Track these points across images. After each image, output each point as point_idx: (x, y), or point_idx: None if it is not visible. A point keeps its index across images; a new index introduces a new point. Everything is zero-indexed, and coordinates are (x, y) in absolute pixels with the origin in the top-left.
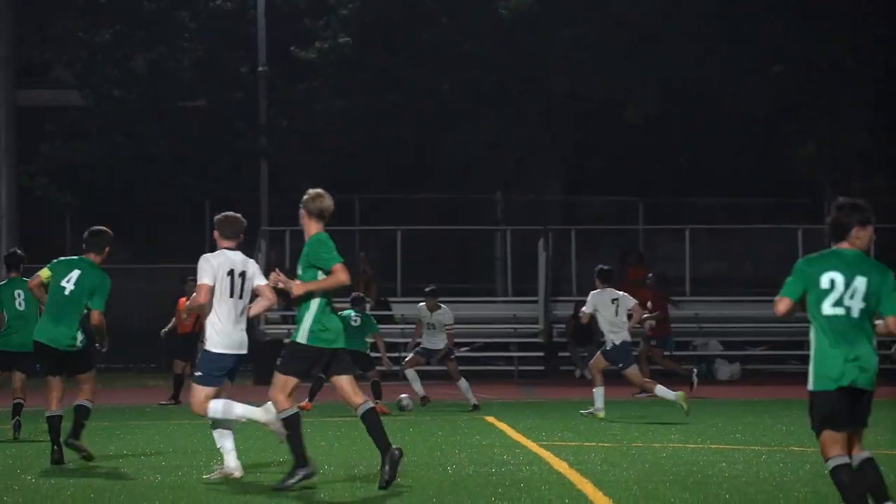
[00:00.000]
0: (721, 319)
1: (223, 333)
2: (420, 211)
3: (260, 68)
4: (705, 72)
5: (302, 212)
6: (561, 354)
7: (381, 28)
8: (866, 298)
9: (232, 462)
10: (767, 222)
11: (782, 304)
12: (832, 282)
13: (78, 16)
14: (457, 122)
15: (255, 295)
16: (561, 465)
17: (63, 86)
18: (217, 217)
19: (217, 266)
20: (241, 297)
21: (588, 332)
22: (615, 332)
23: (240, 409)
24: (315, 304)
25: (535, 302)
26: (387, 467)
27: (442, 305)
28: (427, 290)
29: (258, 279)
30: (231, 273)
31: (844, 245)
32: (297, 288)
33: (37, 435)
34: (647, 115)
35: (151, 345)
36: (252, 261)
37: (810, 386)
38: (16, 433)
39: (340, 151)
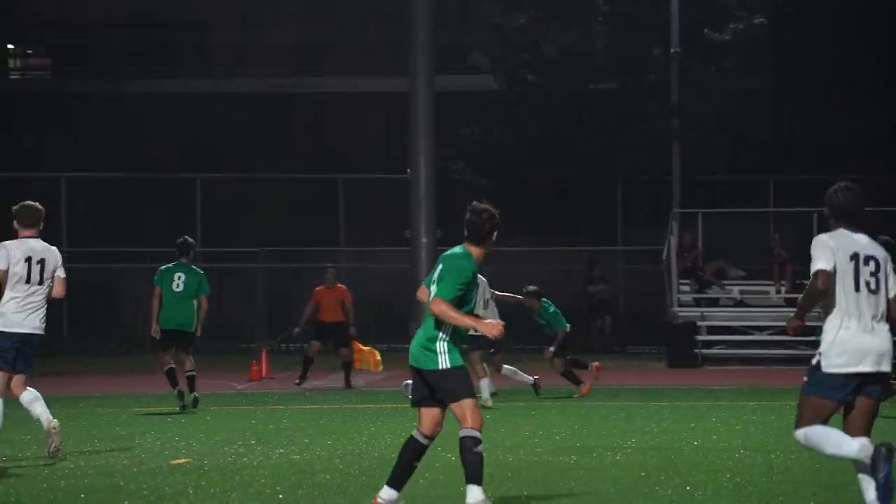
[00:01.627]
0: None
1: (7, 315)
2: None
3: (672, 50)
4: None
5: None
6: None
7: (796, 4)
8: (437, 281)
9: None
10: None
11: None
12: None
13: (496, 1)
14: (877, 97)
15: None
16: None
17: (479, 70)
18: (15, 207)
19: (14, 254)
20: (40, 283)
21: None
22: None
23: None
24: None
25: None
26: None
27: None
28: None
29: (59, 270)
30: (28, 260)
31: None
32: None
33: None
34: None
35: None
36: (55, 250)
37: None
38: (180, 402)
39: (752, 132)
